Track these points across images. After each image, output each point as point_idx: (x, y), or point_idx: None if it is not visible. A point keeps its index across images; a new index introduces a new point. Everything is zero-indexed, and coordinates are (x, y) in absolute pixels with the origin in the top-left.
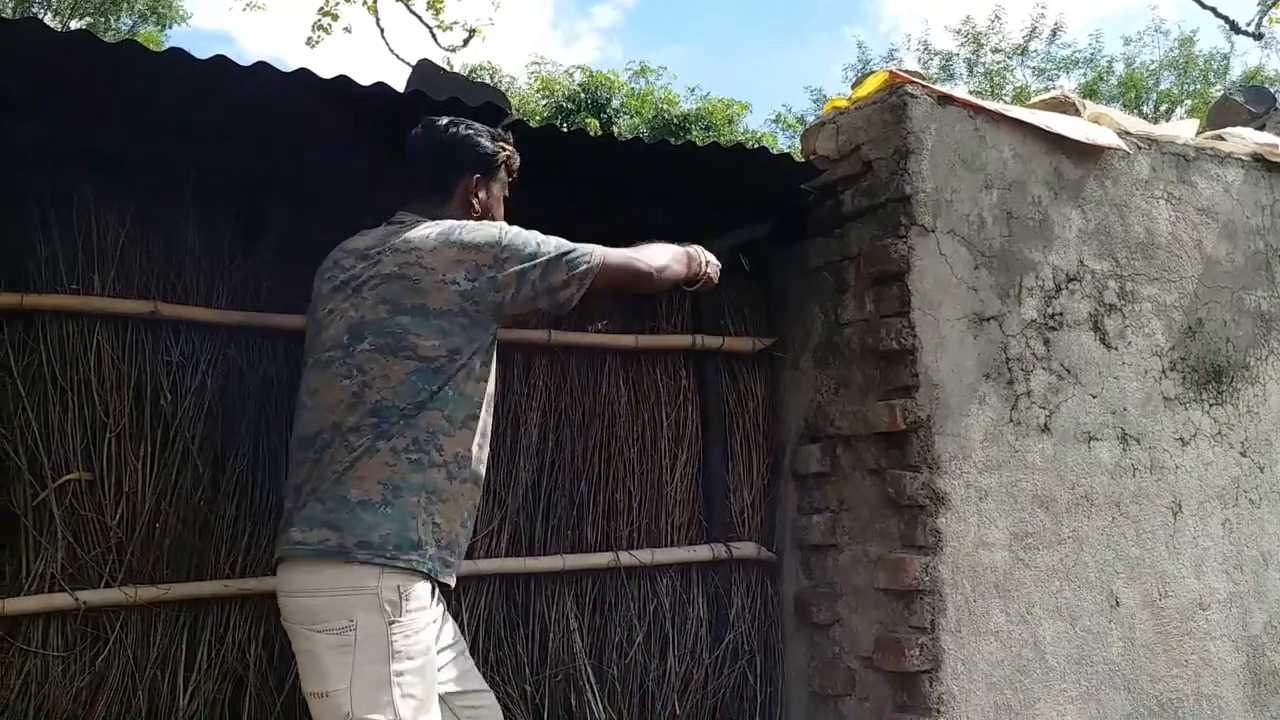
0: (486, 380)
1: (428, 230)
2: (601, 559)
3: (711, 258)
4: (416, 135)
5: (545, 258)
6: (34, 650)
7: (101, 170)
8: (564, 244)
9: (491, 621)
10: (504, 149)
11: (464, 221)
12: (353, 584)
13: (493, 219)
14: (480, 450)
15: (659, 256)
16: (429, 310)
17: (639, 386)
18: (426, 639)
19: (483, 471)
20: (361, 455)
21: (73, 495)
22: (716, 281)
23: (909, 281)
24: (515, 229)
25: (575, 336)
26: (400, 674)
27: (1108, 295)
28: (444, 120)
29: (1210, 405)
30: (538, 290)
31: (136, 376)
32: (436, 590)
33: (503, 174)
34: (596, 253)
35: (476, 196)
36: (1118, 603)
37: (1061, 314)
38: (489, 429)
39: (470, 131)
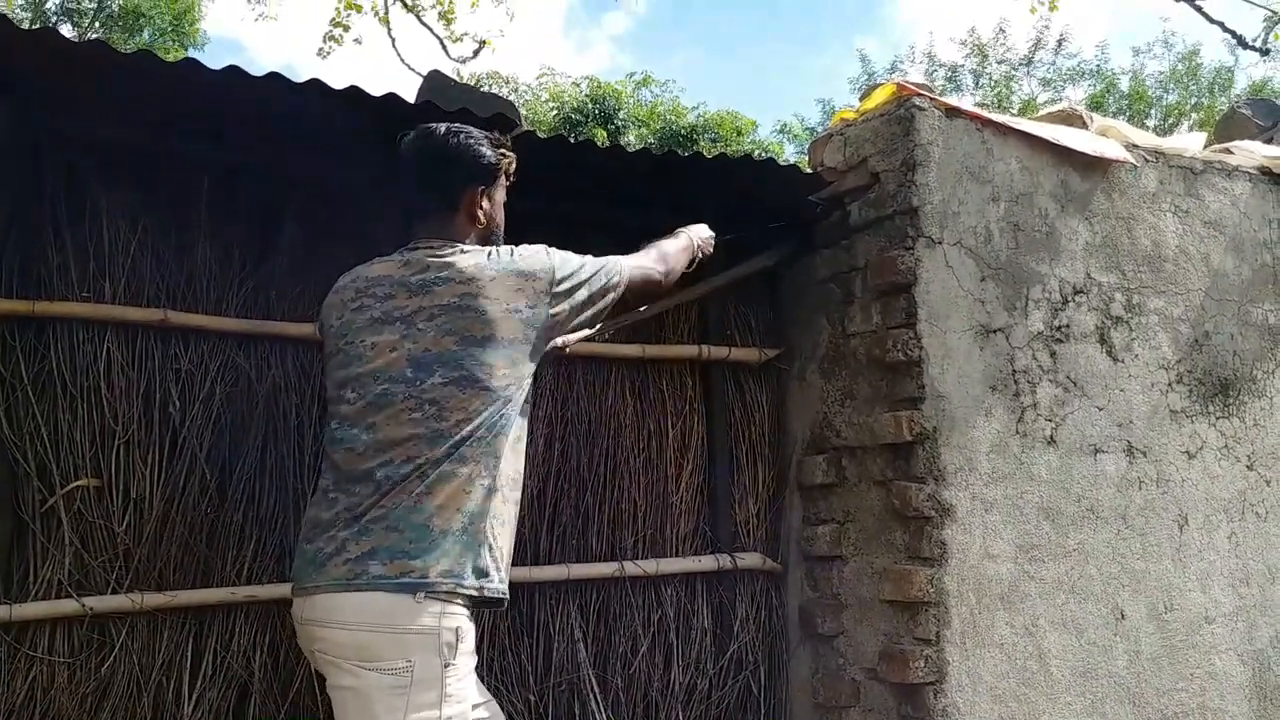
0: (530, 402)
1: (479, 259)
2: (606, 569)
3: (706, 232)
4: (414, 145)
5: (588, 278)
6: (40, 656)
7: (115, 177)
8: (596, 263)
9: (496, 631)
10: (504, 155)
11: (512, 247)
12: (417, 623)
13: (496, 226)
14: (522, 471)
15: (667, 259)
16: (499, 340)
17: (645, 396)
18: (472, 682)
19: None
20: (439, 484)
21: (81, 502)
22: (711, 251)
23: (916, 293)
24: (557, 251)
25: (581, 346)
26: (450, 718)
27: (1114, 308)
28: (441, 129)
29: (1217, 418)
30: (581, 313)
31: (145, 384)
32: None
33: (503, 180)
34: (624, 271)
35: (481, 208)
36: (1123, 615)
37: (1068, 326)
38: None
39: (471, 141)
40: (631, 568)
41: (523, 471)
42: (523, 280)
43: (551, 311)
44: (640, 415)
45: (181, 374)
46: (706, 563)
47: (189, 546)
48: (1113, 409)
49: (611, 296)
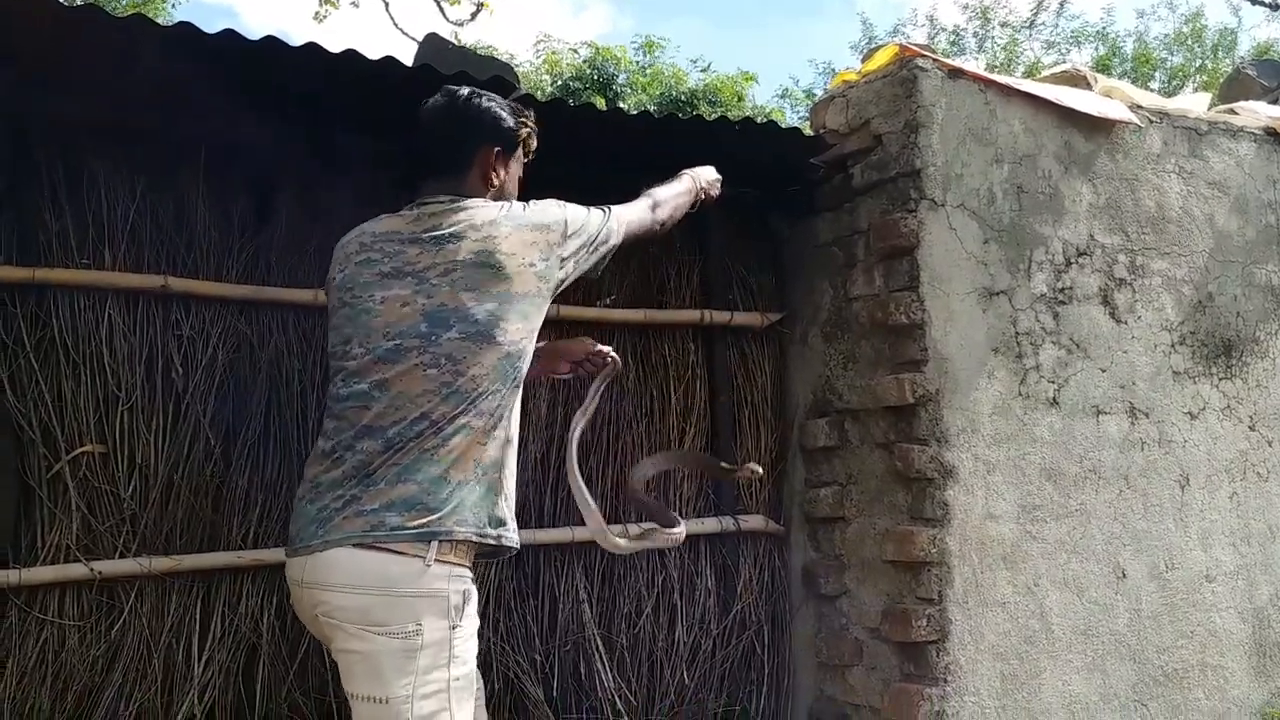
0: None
1: (492, 213)
2: (611, 530)
3: (712, 174)
4: (435, 105)
5: (593, 228)
6: (51, 619)
7: (112, 144)
8: (595, 213)
9: (501, 592)
10: (525, 125)
11: (523, 202)
12: (426, 587)
13: (508, 195)
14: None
15: (665, 206)
16: (515, 295)
17: (647, 361)
18: (475, 644)
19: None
20: (455, 437)
21: (86, 467)
22: (717, 195)
23: (918, 256)
24: (569, 204)
25: (583, 311)
26: (457, 679)
27: (1118, 269)
28: (465, 90)
29: (1219, 379)
30: (585, 263)
31: (147, 350)
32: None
33: (520, 153)
34: (622, 220)
35: (495, 171)
36: (1124, 574)
37: (1071, 288)
38: None
39: (493, 104)
40: (634, 529)
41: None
42: (537, 233)
43: (561, 264)
44: (643, 380)
45: (183, 340)
46: (710, 525)
47: (195, 511)
48: (1115, 370)
49: (607, 248)
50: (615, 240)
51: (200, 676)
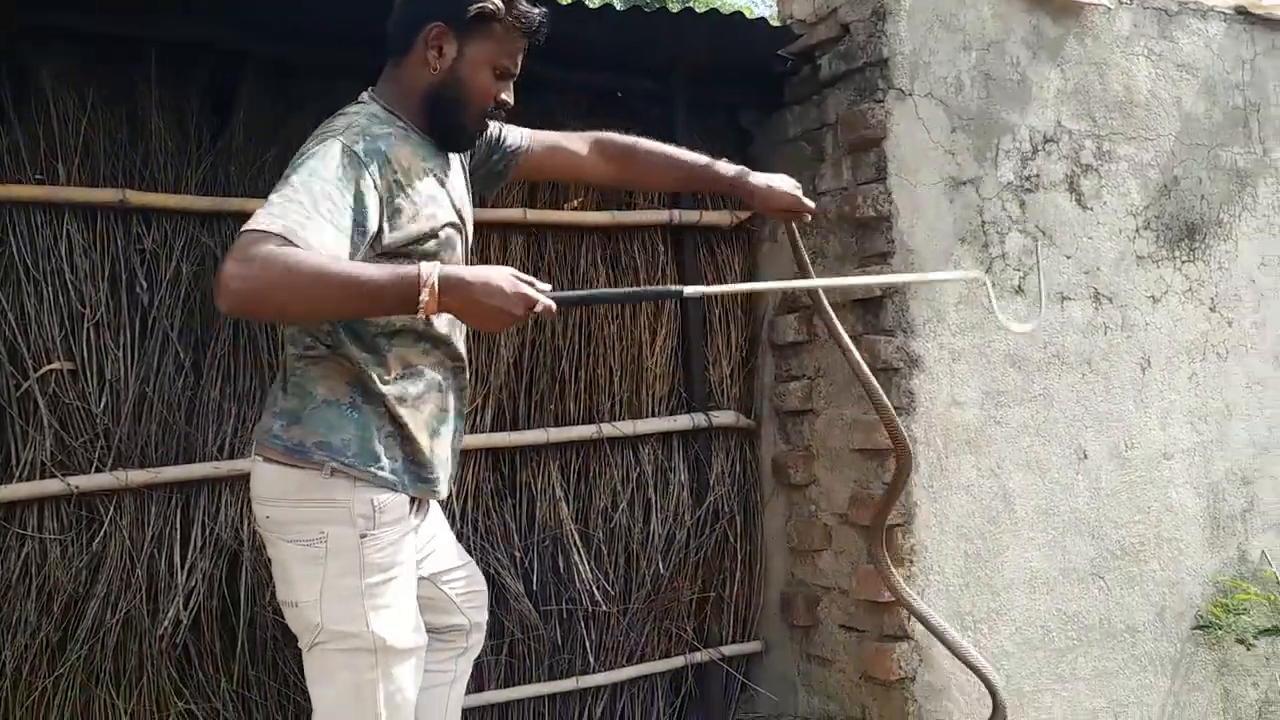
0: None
1: (322, 127)
2: (585, 431)
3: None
4: None
5: (276, 194)
6: (31, 534)
7: (58, 50)
8: (273, 207)
9: (480, 493)
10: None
11: (331, 135)
12: (324, 496)
13: (458, 84)
14: (426, 356)
15: (291, 289)
16: None
17: (617, 263)
18: (402, 549)
19: (440, 377)
20: (329, 360)
21: (56, 384)
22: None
23: (886, 147)
24: (308, 164)
25: (551, 214)
26: (372, 585)
27: (1084, 155)
28: None
29: (1182, 262)
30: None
31: (110, 266)
32: (419, 501)
33: (494, 31)
34: (262, 229)
35: (436, 50)
36: (1085, 455)
37: (1038, 176)
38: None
39: None
40: (609, 429)
41: (434, 356)
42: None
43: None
44: (613, 282)
45: (146, 254)
46: (682, 422)
47: (169, 424)
48: (1080, 257)
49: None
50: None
51: (184, 584)
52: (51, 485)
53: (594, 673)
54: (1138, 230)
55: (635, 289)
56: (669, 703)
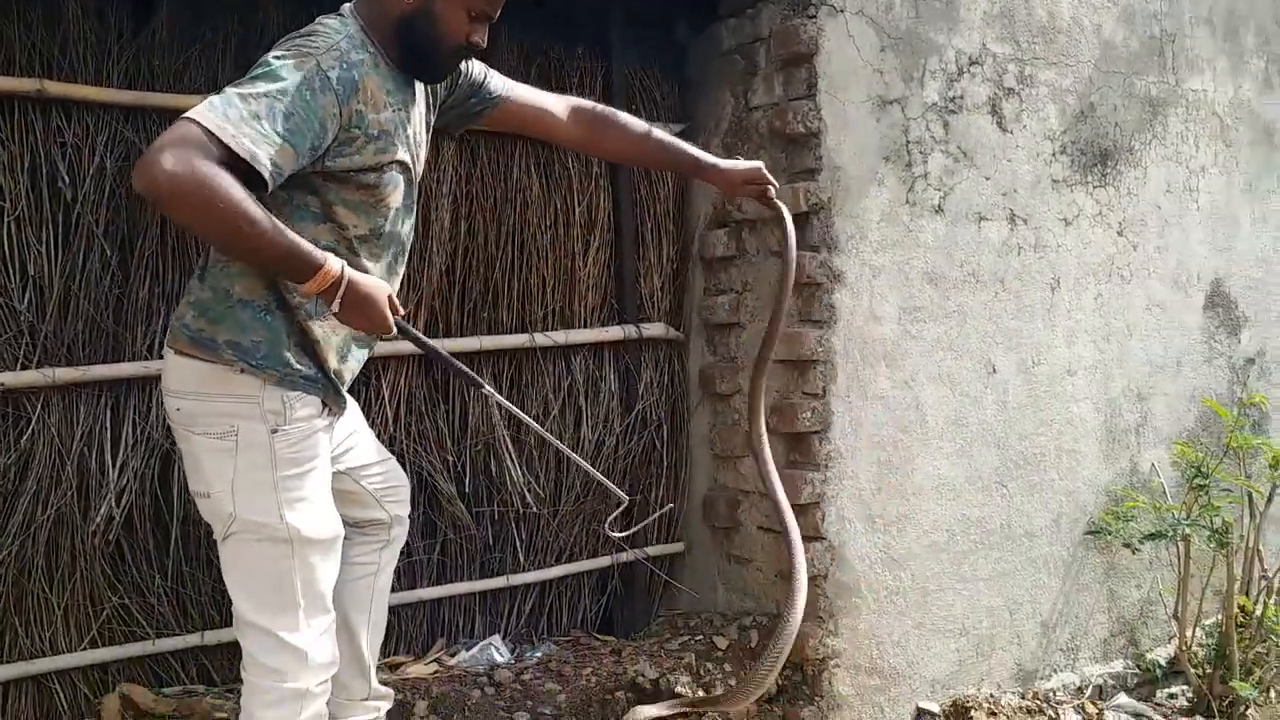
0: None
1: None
2: (517, 340)
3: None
4: None
5: (237, 91)
6: None
7: None
8: (228, 107)
9: (413, 398)
10: None
11: (304, 36)
12: (234, 391)
13: (439, 25)
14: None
15: (207, 208)
16: None
17: (550, 173)
18: (316, 444)
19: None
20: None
21: None
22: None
23: (817, 63)
24: (282, 80)
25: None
26: (285, 478)
27: (1007, 79)
28: None
29: (1094, 187)
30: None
31: (30, 158)
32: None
33: None
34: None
35: None
36: (995, 370)
37: (962, 97)
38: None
39: None
40: (542, 339)
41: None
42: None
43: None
44: (546, 191)
45: (67, 147)
46: (613, 333)
47: (96, 323)
48: (999, 178)
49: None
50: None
51: (116, 483)
52: None
53: (524, 571)
54: (1054, 154)
55: (451, 358)
56: (595, 600)
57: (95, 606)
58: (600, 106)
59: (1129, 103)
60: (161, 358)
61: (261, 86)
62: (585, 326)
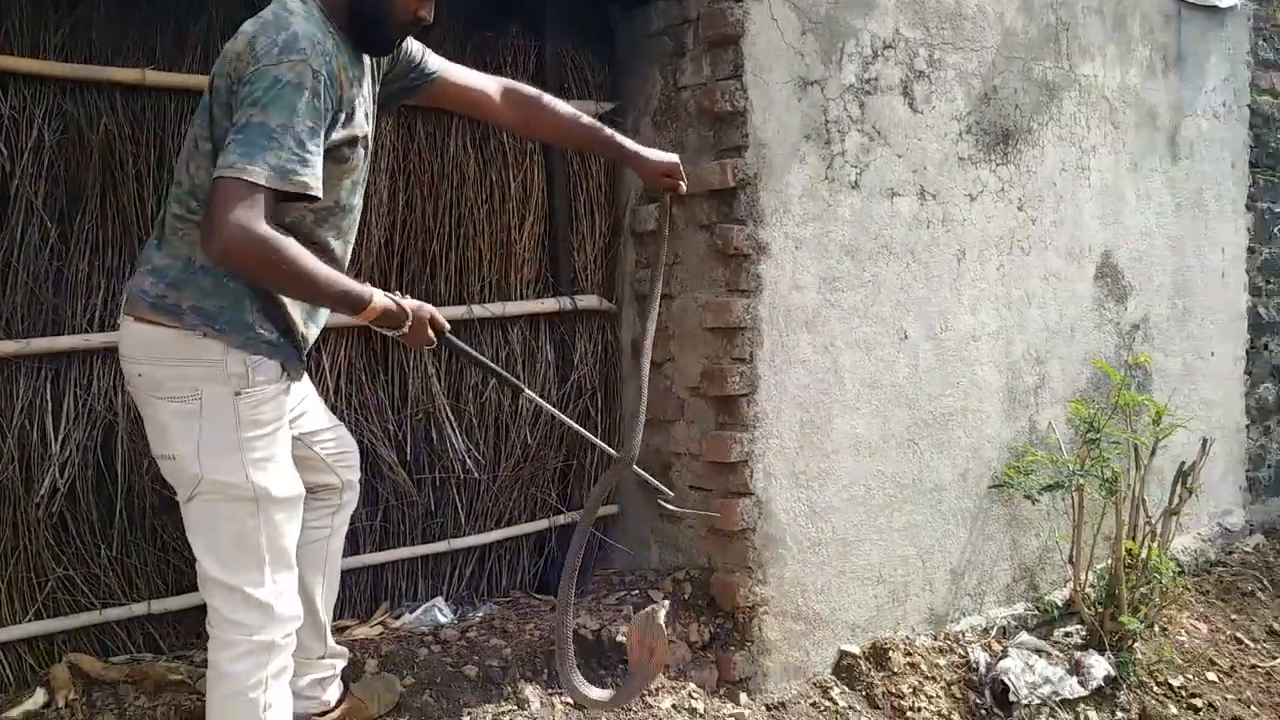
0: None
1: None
2: (456, 311)
3: (422, 315)
4: None
5: (258, 125)
6: None
7: None
8: (265, 153)
9: (353, 369)
10: None
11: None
12: (198, 355)
13: (384, 1)
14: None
15: (292, 278)
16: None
17: (486, 148)
18: (278, 405)
19: None
20: (194, 220)
21: None
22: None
23: (743, 45)
24: (287, 98)
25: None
26: (249, 439)
27: (918, 62)
28: None
29: (996, 165)
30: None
31: None
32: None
33: None
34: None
35: None
36: (906, 336)
37: (876, 79)
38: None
39: None
40: (479, 310)
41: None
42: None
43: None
44: (482, 166)
45: (4, 120)
46: (549, 305)
47: (35, 296)
48: (910, 156)
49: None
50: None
51: (59, 454)
52: None
53: (465, 535)
54: (960, 134)
55: (496, 367)
56: (533, 561)
57: (39, 578)
58: (532, 91)
59: (1028, 86)
60: (105, 330)
61: (278, 117)
62: (521, 299)
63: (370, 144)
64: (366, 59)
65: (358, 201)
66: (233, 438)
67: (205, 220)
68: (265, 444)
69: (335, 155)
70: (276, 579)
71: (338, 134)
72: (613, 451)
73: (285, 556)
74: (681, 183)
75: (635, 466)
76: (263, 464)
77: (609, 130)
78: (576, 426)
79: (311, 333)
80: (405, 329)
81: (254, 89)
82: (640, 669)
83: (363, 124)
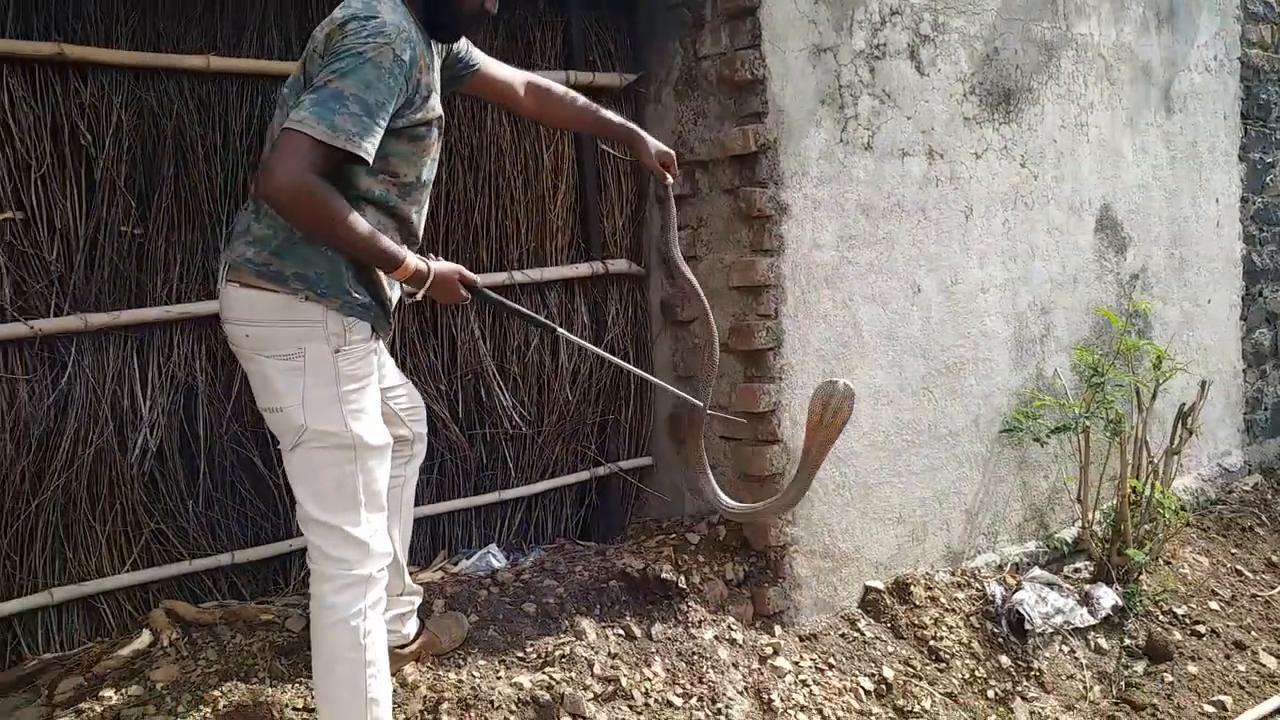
0: None
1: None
2: (497, 278)
3: (451, 277)
4: None
5: (333, 90)
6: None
7: None
8: (332, 114)
9: (405, 334)
10: None
11: (367, 31)
12: (301, 317)
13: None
14: (390, 226)
15: (345, 235)
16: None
17: (519, 121)
18: (369, 363)
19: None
20: None
21: (10, 234)
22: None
23: (760, 15)
24: (365, 71)
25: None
26: (347, 393)
27: (923, 27)
28: None
29: (1000, 124)
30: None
31: (52, 118)
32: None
33: None
34: (305, 131)
35: None
36: (919, 289)
37: (885, 44)
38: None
39: None
40: (519, 276)
41: None
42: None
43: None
44: (517, 140)
45: (86, 108)
46: (582, 269)
47: (120, 271)
48: (918, 118)
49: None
50: (310, 131)
51: (148, 416)
52: (15, 329)
53: (514, 486)
54: (965, 95)
55: (530, 313)
56: (575, 510)
57: (135, 532)
58: (548, 82)
59: (1027, 46)
60: (182, 301)
61: (353, 86)
62: (557, 264)
63: (442, 125)
64: (434, 47)
65: (431, 177)
66: (333, 391)
67: (263, 163)
68: (360, 396)
69: (413, 135)
70: (371, 519)
71: (417, 115)
72: (696, 401)
73: (378, 499)
74: (670, 173)
75: (710, 411)
76: (358, 414)
77: (617, 116)
78: (658, 381)
79: (394, 297)
80: (427, 287)
81: (338, 59)
82: (819, 431)
83: (437, 106)
